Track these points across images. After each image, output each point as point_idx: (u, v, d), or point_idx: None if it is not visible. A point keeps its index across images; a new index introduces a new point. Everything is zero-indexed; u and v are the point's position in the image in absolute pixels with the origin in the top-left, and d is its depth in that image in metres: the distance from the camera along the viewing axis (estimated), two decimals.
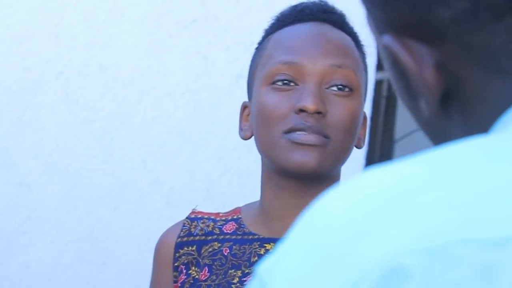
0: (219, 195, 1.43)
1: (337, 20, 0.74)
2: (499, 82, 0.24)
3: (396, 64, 0.26)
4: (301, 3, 0.76)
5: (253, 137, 0.74)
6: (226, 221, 0.77)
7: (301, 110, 0.66)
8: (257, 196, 1.47)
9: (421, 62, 0.24)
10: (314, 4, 0.74)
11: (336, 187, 0.24)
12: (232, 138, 1.50)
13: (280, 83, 0.69)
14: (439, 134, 0.27)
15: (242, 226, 0.75)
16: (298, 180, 0.69)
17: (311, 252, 0.21)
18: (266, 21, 1.52)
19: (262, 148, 0.71)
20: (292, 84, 0.69)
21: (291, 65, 0.69)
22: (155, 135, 1.50)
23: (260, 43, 0.76)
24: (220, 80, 1.50)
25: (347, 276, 0.20)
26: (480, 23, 0.23)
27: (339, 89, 0.68)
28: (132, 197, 1.49)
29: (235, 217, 0.77)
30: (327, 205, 0.22)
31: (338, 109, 0.68)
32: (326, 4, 0.75)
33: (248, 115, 0.75)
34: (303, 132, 0.66)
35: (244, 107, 0.76)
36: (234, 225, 0.76)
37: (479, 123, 0.25)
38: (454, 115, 0.26)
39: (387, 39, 0.25)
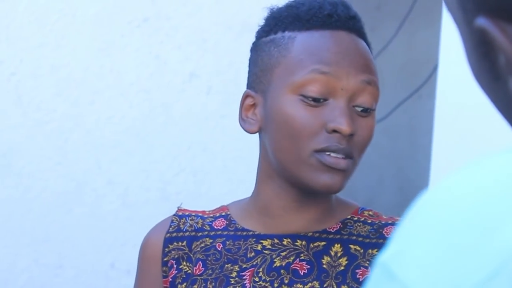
0: (174, 194, 1.44)
1: (361, 29, 0.71)
2: None
3: (483, 45, 0.27)
4: (326, 4, 0.70)
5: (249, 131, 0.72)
6: (215, 218, 0.75)
7: (334, 131, 0.64)
8: (212, 194, 1.49)
9: None
10: (339, 7, 0.70)
11: (452, 175, 0.24)
12: (186, 137, 1.51)
13: (311, 98, 0.65)
14: None
15: (233, 222, 0.73)
16: (311, 193, 0.68)
17: (443, 241, 0.21)
18: (217, 18, 1.54)
19: (282, 160, 0.67)
20: (322, 100, 0.66)
21: (326, 77, 0.65)
22: (109, 136, 1.50)
23: (271, 34, 0.71)
24: (173, 79, 1.50)
25: (484, 264, 0.20)
26: None
27: (363, 110, 0.67)
28: (87, 198, 1.49)
29: (223, 214, 0.76)
30: (452, 192, 0.23)
31: (363, 130, 0.67)
32: (350, 9, 0.71)
33: (253, 106, 0.70)
34: (335, 154, 0.64)
35: (247, 96, 0.71)
36: (224, 221, 0.74)
37: None
38: None
39: (482, 21, 0.26)
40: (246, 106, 0.71)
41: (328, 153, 0.64)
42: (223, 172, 1.52)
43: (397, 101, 2.00)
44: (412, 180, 2.44)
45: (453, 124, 1.50)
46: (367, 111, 0.67)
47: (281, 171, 0.69)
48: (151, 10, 1.51)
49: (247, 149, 1.55)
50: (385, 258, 0.24)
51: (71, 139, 1.51)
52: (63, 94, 1.53)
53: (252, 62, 0.73)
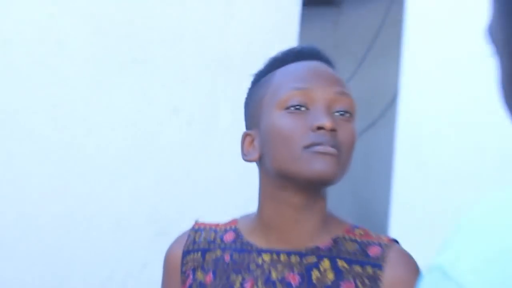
0: (161, 218, 1.62)
1: (329, 59, 0.82)
2: None
3: None
4: (296, 47, 0.86)
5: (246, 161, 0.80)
6: (226, 231, 0.83)
7: (319, 128, 0.71)
8: (195, 216, 1.66)
9: None
10: (308, 47, 0.83)
11: (497, 192, 0.27)
12: (170, 165, 1.69)
13: (293, 108, 0.74)
14: None
15: (240, 236, 0.81)
16: (305, 192, 0.74)
17: (494, 246, 0.24)
18: (196, 59, 1.74)
19: (279, 165, 0.74)
20: (303, 108, 0.74)
21: (303, 91, 0.74)
22: (102, 164, 1.67)
23: (258, 81, 0.82)
24: (159, 113, 1.69)
25: None
26: None
27: (342, 114, 0.75)
28: (81, 220, 1.64)
29: (233, 227, 0.83)
30: (496, 205, 0.26)
31: (344, 131, 0.74)
32: (316, 47, 0.83)
33: (252, 141, 0.79)
34: (323, 146, 0.71)
35: (246, 135, 0.80)
36: (233, 235, 0.82)
37: None
38: None
39: None
40: (246, 144, 0.80)
41: (316, 146, 0.71)
42: (206, 196, 1.70)
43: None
44: (368, 204, 2.65)
45: (412, 151, 1.70)
46: (345, 115, 0.75)
47: (280, 179, 0.75)
48: (139, 53, 1.71)
49: (227, 174, 1.75)
50: (441, 261, 0.26)
51: (68, 168, 1.66)
52: (61, 127, 1.68)
53: (246, 107, 0.84)
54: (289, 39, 1.79)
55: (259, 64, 0.83)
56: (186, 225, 0.88)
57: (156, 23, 1.74)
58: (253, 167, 0.81)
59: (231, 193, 1.68)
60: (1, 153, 1.62)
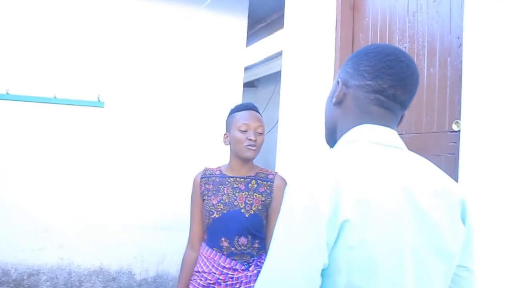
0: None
1: (257, 110, 1.96)
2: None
3: None
4: (245, 103, 1.99)
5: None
6: (216, 170, 2.00)
7: (250, 139, 1.86)
8: None
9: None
10: (249, 103, 1.98)
11: (321, 153, 0.90)
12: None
13: (242, 130, 1.88)
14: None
15: (222, 172, 1.98)
16: (244, 160, 1.90)
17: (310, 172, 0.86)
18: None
19: (236, 151, 1.90)
20: (245, 131, 1.87)
21: (246, 124, 1.88)
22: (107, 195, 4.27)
23: (229, 116, 1.98)
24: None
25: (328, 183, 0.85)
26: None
27: (259, 133, 1.89)
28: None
29: (219, 168, 2.01)
30: (308, 164, 0.84)
31: (259, 139, 1.89)
32: (252, 103, 1.99)
33: (227, 137, 1.95)
34: (250, 146, 1.86)
35: (225, 135, 1.97)
36: (219, 171, 1.98)
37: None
38: None
39: None
40: (224, 138, 1.96)
41: (248, 145, 1.87)
42: (207, 160, 4.36)
43: None
44: (268, 162, 5.53)
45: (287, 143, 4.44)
46: (260, 134, 1.90)
47: (236, 154, 1.91)
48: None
49: (219, 150, 4.40)
50: (293, 182, 0.83)
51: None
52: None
53: (226, 123, 1.99)
54: (237, 98, 4.58)
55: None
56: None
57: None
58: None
59: (220, 157, 4.34)
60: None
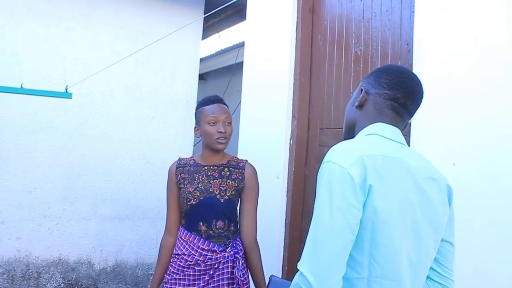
0: None
1: (224, 102, 2.11)
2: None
3: None
4: (211, 96, 2.13)
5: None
6: (190, 159, 2.13)
7: (219, 132, 2.01)
8: None
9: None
10: (215, 96, 2.12)
11: (338, 143, 1.23)
12: (143, 197, 4.44)
13: (211, 123, 2.02)
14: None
15: (195, 161, 2.11)
16: (215, 151, 2.07)
17: (343, 149, 1.16)
18: (163, 126, 4.55)
19: (207, 142, 2.06)
20: (214, 123, 2.02)
21: (214, 117, 2.03)
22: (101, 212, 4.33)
23: (198, 110, 2.11)
24: (135, 164, 4.46)
25: (354, 156, 1.11)
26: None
27: (227, 124, 2.05)
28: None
29: (192, 158, 2.14)
30: (338, 146, 1.15)
31: (228, 130, 2.04)
32: (218, 96, 2.13)
33: (198, 130, 2.09)
34: (221, 138, 2.03)
35: (196, 128, 2.11)
36: (193, 161, 2.12)
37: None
38: None
39: None
40: (195, 131, 2.12)
41: (218, 138, 2.04)
42: (180, 152, 4.46)
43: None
44: (234, 150, 5.70)
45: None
46: (228, 124, 2.07)
47: (207, 145, 2.08)
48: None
49: (192, 142, 4.51)
50: (332, 160, 1.11)
51: None
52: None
53: (195, 117, 2.15)
54: (192, 91, 4.72)
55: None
56: None
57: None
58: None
59: (176, 148, 4.47)
60: None
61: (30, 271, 3.87)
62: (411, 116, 1.32)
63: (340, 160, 1.11)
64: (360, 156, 1.12)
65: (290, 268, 2.87)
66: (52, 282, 3.95)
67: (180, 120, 4.60)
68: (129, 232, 4.30)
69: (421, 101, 1.32)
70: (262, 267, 2.10)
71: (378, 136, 1.23)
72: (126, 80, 4.34)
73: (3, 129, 3.80)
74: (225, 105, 2.15)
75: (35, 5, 3.96)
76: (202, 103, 2.13)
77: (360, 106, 1.31)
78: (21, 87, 2.74)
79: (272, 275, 1.81)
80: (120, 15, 4.31)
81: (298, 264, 1.12)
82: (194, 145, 4.89)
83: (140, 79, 4.42)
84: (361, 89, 1.32)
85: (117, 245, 4.24)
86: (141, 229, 4.36)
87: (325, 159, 1.16)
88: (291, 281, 1.19)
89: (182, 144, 4.57)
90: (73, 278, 4.03)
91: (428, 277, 1.30)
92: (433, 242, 1.22)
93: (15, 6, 3.88)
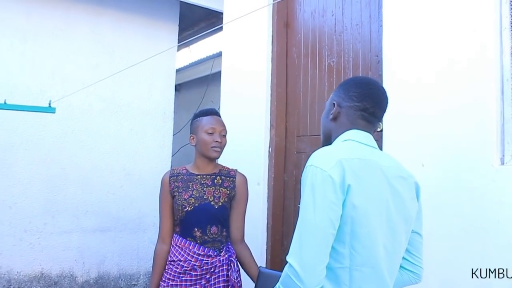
0: None
1: (219, 114, 2.25)
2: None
3: None
4: (209, 108, 2.27)
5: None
6: (183, 169, 2.23)
7: (216, 141, 2.15)
8: None
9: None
10: (213, 109, 2.26)
11: (319, 149, 1.33)
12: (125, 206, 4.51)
13: (209, 133, 2.15)
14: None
15: (188, 170, 2.23)
16: (210, 159, 2.19)
17: (322, 156, 1.27)
18: (151, 139, 4.62)
19: (201, 151, 2.17)
20: (211, 133, 2.15)
21: (211, 128, 2.16)
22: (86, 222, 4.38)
23: (195, 120, 2.22)
24: (114, 176, 4.52)
25: (333, 160, 1.24)
26: None
27: (223, 135, 2.19)
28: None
29: (186, 168, 2.24)
30: (319, 152, 1.28)
31: (223, 141, 2.18)
32: (214, 109, 2.27)
33: (193, 139, 2.20)
34: (216, 147, 2.16)
35: (191, 136, 2.21)
36: (185, 170, 2.23)
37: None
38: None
39: None
40: (191, 140, 2.23)
41: (213, 147, 2.17)
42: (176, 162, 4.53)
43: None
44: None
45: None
46: (224, 136, 2.21)
47: (202, 154, 2.19)
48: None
49: (189, 151, 4.57)
50: (314, 164, 1.24)
51: None
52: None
53: (191, 126, 2.26)
54: (169, 102, 4.81)
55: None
56: None
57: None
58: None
59: (157, 160, 4.54)
60: None
61: (11, 286, 3.86)
62: (380, 121, 1.48)
63: (321, 164, 1.25)
64: (339, 160, 1.25)
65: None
66: None
67: (158, 132, 4.68)
68: (111, 243, 4.33)
69: (387, 106, 1.47)
70: (255, 261, 2.23)
71: (353, 141, 1.38)
72: (103, 93, 4.40)
73: None
74: (221, 118, 2.28)
75: (11, 20, 3.99)
76: (200, 114, 2.25)
77: (334, 119, 1.45)
78: (5, 102, 2.79)
79: (260, 267, 1.92)
80: (96, 29, 4.38)
81: (287, 256, 1.25)
82: (172, 156, 4.97)
83: (117, 92, 4.49)
84: (333, 103, 1.45)
85: (99, 257, 4.27)
86: (122, 240, 4.40)
87: (308, 163, 1.29)
88: (279, 271, 1.32)
89: (161, 155, 4.65)
90: None
91: (400, 266, 1.46)
92: (405, 233, 1.38)
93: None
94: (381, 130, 2.32)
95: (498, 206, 1.77)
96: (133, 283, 4.41)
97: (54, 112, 2.93)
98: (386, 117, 2.20)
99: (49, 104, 2.87)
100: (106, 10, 4.44)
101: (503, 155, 1.82)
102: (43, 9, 4.12)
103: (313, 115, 2.85)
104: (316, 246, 1.20)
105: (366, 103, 1.41)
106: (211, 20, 5.36)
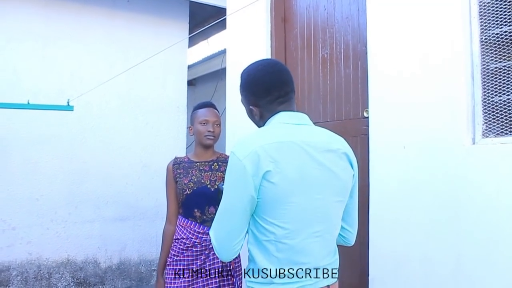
0: None
1: (215, 106, 2.48)
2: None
3: None
4: (204, 101, 2.53)
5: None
6: (185, 157, 2.48)
7: (209, 131, 2.38)
8: None
9: None
10: (208, 102, 2.52)
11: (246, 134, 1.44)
12: (144, 196, 4.76)
13: (203, 123, 2.38)
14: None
15: (189, 158, 2.46)
16: (205, 147, 2.42)
17: (244, 143, 1.37)
18: (163, 136, 4.88)
19: (198, 140, 2.41)
20: (205, 123, 2.39)
21: (206, 119, 2.39)
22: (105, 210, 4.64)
23: (193, 112, 2.46)
24: (133, 167, 4.77)
25: (249, 148, 1.34)
26: None
27: (217, 125, 2.41)
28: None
29: (186, 156, 2.50)
30: (241, 139, 1.40)
31: (217, 130, 2.41)
32: (211, 102, 2.53)
33: (191, 129, 2.44)
34: (210, 136, 2.39)
35: (190, 127, 2.46)
36: (187, 158, 2.47)
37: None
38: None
39: None
40: (189, 130, 2.49)
41: (206, 135, 2.40)
42: (176, 152, 4.78)
43: None
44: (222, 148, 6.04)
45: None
46: (218, 125, 2.43)
47: (198, 143, 2.45)
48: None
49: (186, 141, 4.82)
50: (234, 152, 1.39)
51: None
52: None
53: (191, 118, 2.50)
54: (182, 96, 5.04)
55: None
56: None
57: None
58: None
59: (171, 150, 4.79)
60: None
61: (41, 272, 4.18)
62: (294, 92, 1.53)
63: (238, 152, 1.37)
64: (255, 149, 1.35)
65: None
66: (63, 281, 4.26)
67: (172, 125, 4.93)
68: (131, 231, 4.62)
69: (291, 80, 1.52)
70: None
71: (279, 123, 1.45)
72: (119, 91, 4.66)
73: (9, 143, 4.11)
74: (216, 110, 2.49)
75: (32, 26, 4.28)
76: (197, 107, 2.48)
77: (260, 116, 1.53)
78: (28, 102, 3.06)
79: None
80: (110, 30, 4.64)
81: (209, 231, 1.46)
82: (187, 147, 5.22)
83: (132, 89, 4.74)
84: (251, 108, 1.53)
85: (120, 244, 4.56)
86: (141, 228, 4.68)
87: (231, 148, 1.41)
88: None
89: (176, 146, 4.90)
90: (82, 277, 4.35)
91: None
92: (339, 204, 1.47)
93: (13, 27, 4.20)
94: (368, 117, 2.49)
95: (470, 183, 1.93)
96: (153, 268, 4.69)
97: (72, 110, 3.19)
98: (371, 105, 2.39)
99: (68, 102, 3.13)
100: (119, 12, 4.69)
101: (474, 135, 1.98)
102: (59, 14, 4.40)
103: (310, 105, 3.02)
104: (229, 225, 1.39)
105: (274, 91, 1.47)
106: (220, 17, 5.55)
